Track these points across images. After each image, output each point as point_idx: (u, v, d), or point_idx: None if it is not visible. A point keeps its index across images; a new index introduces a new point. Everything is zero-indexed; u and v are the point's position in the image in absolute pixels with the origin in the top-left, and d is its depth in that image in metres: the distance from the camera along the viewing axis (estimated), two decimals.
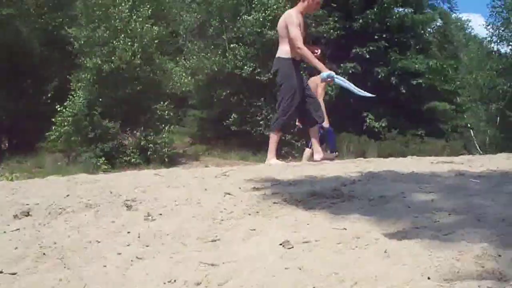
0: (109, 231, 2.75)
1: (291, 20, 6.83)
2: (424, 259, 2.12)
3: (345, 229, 2.49)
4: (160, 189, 3.81)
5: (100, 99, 20.66)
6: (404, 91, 27.37)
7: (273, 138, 7.10)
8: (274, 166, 5.65)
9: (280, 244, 2.28)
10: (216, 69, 23.84)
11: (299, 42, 6.71)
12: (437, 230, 2.52)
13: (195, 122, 28.82)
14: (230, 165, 12.39)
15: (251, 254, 2.21)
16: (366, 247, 2.25)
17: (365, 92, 7.31)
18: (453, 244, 2.27)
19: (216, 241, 2.44)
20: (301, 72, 7.19)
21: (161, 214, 3.02)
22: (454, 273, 2.02)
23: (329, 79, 6.95)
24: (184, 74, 23.62)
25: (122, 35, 20.61)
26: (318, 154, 7.10)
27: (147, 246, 2.50)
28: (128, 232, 2.71)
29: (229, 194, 3.42)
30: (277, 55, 7.04)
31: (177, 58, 25.99)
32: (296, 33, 6.73)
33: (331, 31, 24.42)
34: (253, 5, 23.83)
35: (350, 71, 25.80)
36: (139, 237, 2.61)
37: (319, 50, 7.56)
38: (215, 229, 2.63)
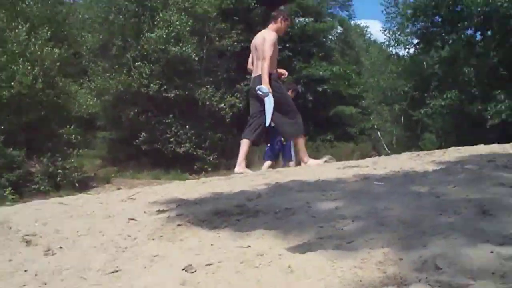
0: (5, 272, 2.61)
1: (269, 37, 7.36)
2: (328, 270, 2.13)
3: (249, 246, 2.49)
4: (62, 220, 3.67)
5: (2, 127, 19.90)
6: (310, 98, 27.85)
7: (299, 143, 7.88)
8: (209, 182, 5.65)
9: (183, 269, 2.24)
10: (122, 88, 23.47)
11: (268, 58, 7.14)
12: (341, 238, 2.54)
13: (104, 144, 28.27)
14: (143, 184, 12.17)
15: (153, 282, 2.16)
16: (269, 264, 2.24)
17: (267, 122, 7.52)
18: (356, 252, 2.29)
19: (117, 271, 2.36)
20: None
21: (61, 248, 2.90)
22: (358, 282, 2.04)
23: (261, 94, 7.17)
24: (89, 96, 23.15)
25: (21, 59, 19.95)
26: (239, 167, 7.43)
27: (45, 284, 2.39)
28: (25, 271, 2.59)
29: (133, 219, 3.35)
30: (257, 74, 7.33)
31: (81, 80, 25.43)
32: (269, 51, 7.19)
33: (235, 43, 24.55)
34: (155, 22, 23.66)
35: None
36: (36, 275, 2.50)
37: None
38: (117, 259, 2.56)
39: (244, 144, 7.62)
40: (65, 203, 4.59)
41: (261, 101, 7.27)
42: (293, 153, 9.93)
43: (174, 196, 4.20)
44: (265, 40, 7.31)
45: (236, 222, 3.04)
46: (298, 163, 8.48)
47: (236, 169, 7.36)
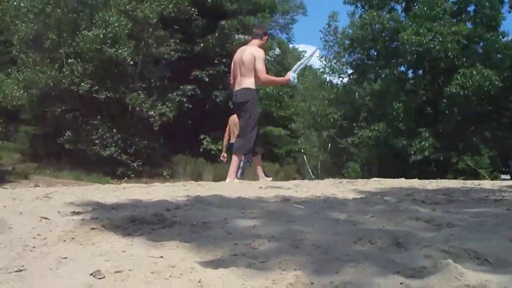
0: None
1: (260, 55, 7.96)
2: None
3: (162, 257, 2.44)
4: None
5: None
6: None
7: (237, 160, 8.28)
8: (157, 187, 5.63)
9: (91, 274, 2.18)
10: (51, 84, 22.96)
11: (264, 72, 7.97)
12: (255, 257, 2.53)
13: (26, 138, 27.52)
14: (62, 184, 11.88)
15: (57, 285, 2.09)
16: (180, 277, 2.21)
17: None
18: (268, 272, 2.28)
19: (21, 271, 2.28)
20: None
21: None
22: None
23: (293, 80, 8.32)
24: (16, 87, 22.52)
25: None
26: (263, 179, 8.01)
27: None
28: None
29: (46, 218, 3.25)
30: (244, 86, 7.94)
31: (9, 70, 24.72)
32: (263, 67, 7.94)
33: (172, 52, 24.45)
34: (94, 21, 23.32)
35: (189, 93, 25.97)
36: None
37: None
38: (24, 258, 2.47)
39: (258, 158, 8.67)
40: None
41: (246, 111, 8.02)
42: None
43: (92, 199, 4.11)
44: (256, 57, 7.84)
45: (151, 231, 2.99)
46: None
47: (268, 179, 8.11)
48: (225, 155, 12.19)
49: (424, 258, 2.45)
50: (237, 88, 8.07)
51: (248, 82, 7.93)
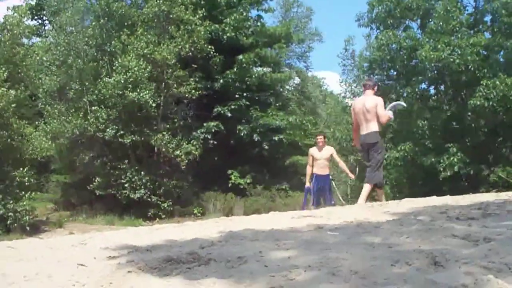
0: None
1: (380, 102, 9.56)
2: None
3: None
4: (10, 263, 3.59)
5: None
6: (266, 147, 27.97)
7: (369, 188, 9.47)
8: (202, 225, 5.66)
9: None
10: (77, 132, 23.26)
11: (386, 118, 9.58)
12: None
13: (58, 188, 27.84)
14: (96, 230, 11.95)
15: None
16: None
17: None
18: None
19: None
20: None
21: None
22: None
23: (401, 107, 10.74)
24: (44, 139, 22.84)
25: None
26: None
27: None
28: None
29: (82, 265, 3.28)
30: (373, 130, 9.48)
31: (37, 122, 25.12)
32: (384, 112, 9.54)
33: (193, 91, 24.62)
34: (114, 67, 23.65)
35: (213, 130, 26.08)
36: None
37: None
38: None
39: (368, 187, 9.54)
40: (14, 247, 4.49)
41: (377, 150, 9.56)
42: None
43: (126, 243, 4.14)
44: (378, 104, 9.42)
45: (187, 270, 3.00)
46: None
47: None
48: (309, 184, 13.16)
49: (464, 275, 2.42)
50: (365, 132, 9.50)
51: (374, 126, 9.43)
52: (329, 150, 13.10)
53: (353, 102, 10.21)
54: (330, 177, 13.65)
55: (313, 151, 12.96)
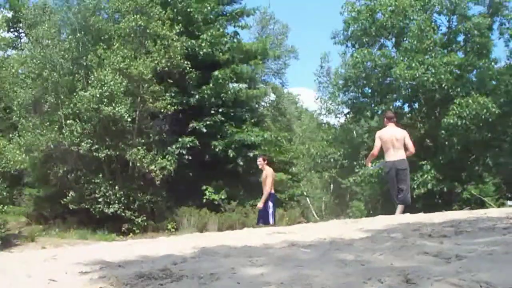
0: None
1: (407, 134, 11.65)
2: None
3: None
4: None
5: None
6: (241, 163, 27.93)
7: (403, 208, 10.61)
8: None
9: None
10: (52, 145, 23.06)
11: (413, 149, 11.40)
12: None
13: (31, 201, 27.51)
14: (69, 244, 11.85)
15: None
16: None
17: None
18: None
19: None
20: None
21: None
22: None
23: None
24: (18, 152, 22.61)
25: None
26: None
27: None
28: None
29: (53, 280, 3.25)
30: (403, 157, 11.31)
31: (11, 135, 24.86)
32: (411, 143, 11.40)
33: (168, 106, 24.57)
34: (89, 81, 23.53)
35: (188, 145, 26.01)
36: None
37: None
38: None
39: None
40: None
41: (407, 174, 11.38)
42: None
43: (98, 258, 4.12)
44: (406, 136, 11.40)
45: (159, 286, 2.99)
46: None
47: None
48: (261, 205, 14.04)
49: None
50: (396, 158, 11.20)
51: (403, 154, 11.23)
52: (264, 172, 13.83)
53: (382, 132, 11.70)
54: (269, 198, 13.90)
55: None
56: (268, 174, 13.51)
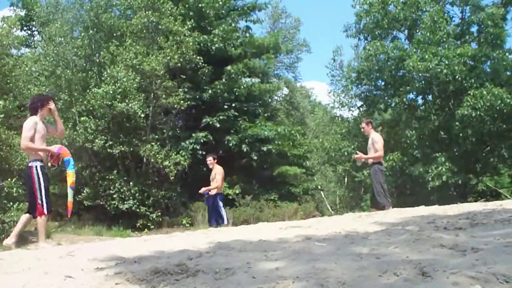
0: None
1: (379, 139, 12.40)
2: None
3: None
4: None
5: None
6: (255, 157, 27.97)
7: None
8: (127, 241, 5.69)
9: None
10: (66, 143, 23.13)
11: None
12: None
13: None
14: (84, 240, 11.91)
15: None
16: None
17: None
18: None
19: None
20: None
21: None
22: None
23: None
24: None
25: None
26: None
27: None
28: None
29: (70, 277, 3.26)
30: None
31: None
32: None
33: (181, 101, 24.61)
34: (102, 78, 23.60)
35: (202, 140, 26.07)
36: None
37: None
38: None
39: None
40: (2, 258, 4.47)
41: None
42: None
43: (114, 254, 4.13)
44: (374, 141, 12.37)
45: (175, 281, 2.99)
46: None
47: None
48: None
49: (451, 285, 2.43)
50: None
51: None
52: (214, 170, 13.92)
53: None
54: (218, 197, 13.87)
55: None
56: (217, 172, 13.60)
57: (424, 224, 5.05)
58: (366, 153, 12.38)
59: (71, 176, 8.75)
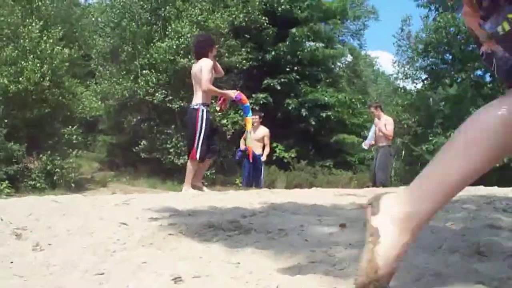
0: None
1: (392, 122, 12.46)
2: None
3: (239, 263, 2.44)
4: (55, 217, 3.66)
5: (6, 120, 19.91)
6: (313, 123, 27.89)
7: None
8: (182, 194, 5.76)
9: (171, 280, 2.20)
10: (127, 95, 23.53)
11: None
12: (332, 264, 2.49)
13: (104, 148, 28.32)
14: (138, 192, 12.15)
15: None
16: (258, 283, 2.19)
17: None
18: (346, 279, 2.25)
19: (103, 274, 2.32)
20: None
21: (50, 244, 2.86)
22: None
23: None
24: (94, 99, 23.18)
25: (31, 56, 20.01)
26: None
27: (28, 279, 2.35)
28: (11, 262, 2.56)
29: (124, 224, 3.31)
30: None
31: (88, 82, 25.49)
32: None
33: (244, 61, 24.62)
34: (167, 33, 23.76)
35: (261, 102, 26.06)
36: (21, 269, 2.46)
37: None
38: (105, 262, 2.51)
39: None
40: (60, 202, 4.58)
41: None
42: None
43: (168, 206, 4.17)
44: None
45: (227, 237, 2.99)
46: None
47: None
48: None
49: (508, 268, 2.36)
50: None
51: None
52: (262, 131, 13.02)
53: None
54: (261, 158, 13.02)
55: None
56: (267, 135, 13.08)
57: (483, 204, 4.92)
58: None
59: (250, 122, 8.92)
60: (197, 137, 7.76)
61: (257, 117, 13.30)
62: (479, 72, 28.21)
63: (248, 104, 8.82)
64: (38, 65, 19.86)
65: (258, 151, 12.81)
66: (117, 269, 2.40)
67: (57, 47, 20.63)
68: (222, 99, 8.46)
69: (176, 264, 2.43)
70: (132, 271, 2.34)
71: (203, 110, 7.82)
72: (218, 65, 8.64)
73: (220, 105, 8.51)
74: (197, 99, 7.96)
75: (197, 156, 7.80)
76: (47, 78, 20.03)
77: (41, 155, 20.15)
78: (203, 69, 7.87)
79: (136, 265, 2.44)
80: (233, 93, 8.48)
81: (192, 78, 8.25)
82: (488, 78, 28.70)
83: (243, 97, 8.63)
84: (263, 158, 13.00)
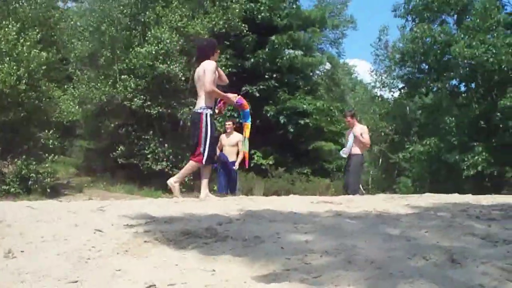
0: None
1: (367, 131, 12.59)
2: None
3: (214, 271, 2.45)
4: (28, 223, 3.63)
5: None
6: (292, 130, 27.96)
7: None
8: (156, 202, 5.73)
9: (145, 287, 2.20)
10: (105, 99, 23.37)
11: None
12: (307, 272, 2.51)
13: (81, 153, 28.10)
14: (115, 198, 12.07)
15: None
16: None
17: None
18: (321, 287, 2.27)
19: (77, 282, 2.31)
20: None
21: (23, 251, 2.84)
22: None
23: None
24: (71, 103, 22.99)
25: (8, 59, 19.79)
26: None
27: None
28: None
29: (99, 231, 3.30)
30: None
31: (66, 86, 25.27)
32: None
33: (223, 68, 24.56)
34: (146, 38, 23.68)
35: None
36: None
37: None
38: (79, 269, 2.50)
39: None
40: (34, 207, 4.54)
41: None
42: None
43: (144, 212, 4.16)
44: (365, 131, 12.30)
45: (203, 245, 3.00)
46: None
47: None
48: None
49: (481, 275, 2.39)
50: None
51: None
52: (236, 137, 12.84)
53: None
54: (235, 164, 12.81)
55: (222, 136, 13.05)
56: (241, 140, 13.01)
57: (457, 211, 4.98)
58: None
59: (249, 128, 8.75)
60: (202, 141, 7.61)
61: (230, 123, 13.30)
62: (454, 82, 28.56)
63: (248, 109, 8.73)
64: (14, 68, 19.58)
65: (232, 158, 12.75)
66: (92, 277, 2.39)
67: (35, 50, 20.39)
68: (222, 102, 8.37)
69: (151, 272, 2.43)
70: (106, 279, 2.34)
71: (207, 114, 7.71)
72: (223, 73, 8.40)
73: (219, 108, 8.43)
74: (200, 103, 7.80)
75: (204, 161, 7.70)
76: (24, 81, 19.76)
77: (16, 159, 19.90)
78: (206, 70, 7.71)
79: (111, 272, 2.44)
80: (234, 97, 8.36)
81: (195, 82, 8.09)
82: (463, 87, 29.07)
83: (244, 102, 8.55)
84: (236, 166, 12.88)
